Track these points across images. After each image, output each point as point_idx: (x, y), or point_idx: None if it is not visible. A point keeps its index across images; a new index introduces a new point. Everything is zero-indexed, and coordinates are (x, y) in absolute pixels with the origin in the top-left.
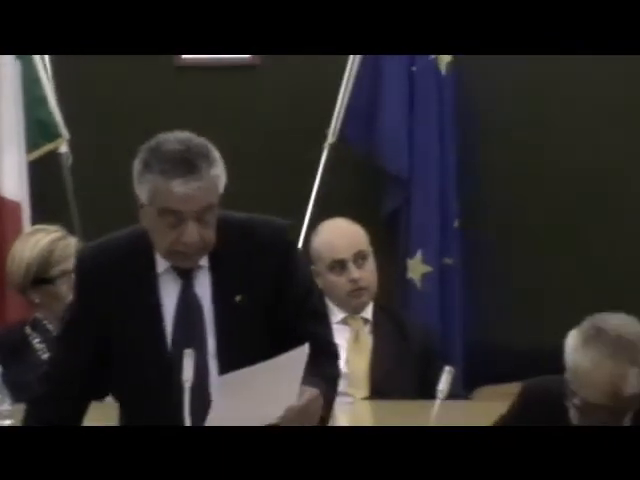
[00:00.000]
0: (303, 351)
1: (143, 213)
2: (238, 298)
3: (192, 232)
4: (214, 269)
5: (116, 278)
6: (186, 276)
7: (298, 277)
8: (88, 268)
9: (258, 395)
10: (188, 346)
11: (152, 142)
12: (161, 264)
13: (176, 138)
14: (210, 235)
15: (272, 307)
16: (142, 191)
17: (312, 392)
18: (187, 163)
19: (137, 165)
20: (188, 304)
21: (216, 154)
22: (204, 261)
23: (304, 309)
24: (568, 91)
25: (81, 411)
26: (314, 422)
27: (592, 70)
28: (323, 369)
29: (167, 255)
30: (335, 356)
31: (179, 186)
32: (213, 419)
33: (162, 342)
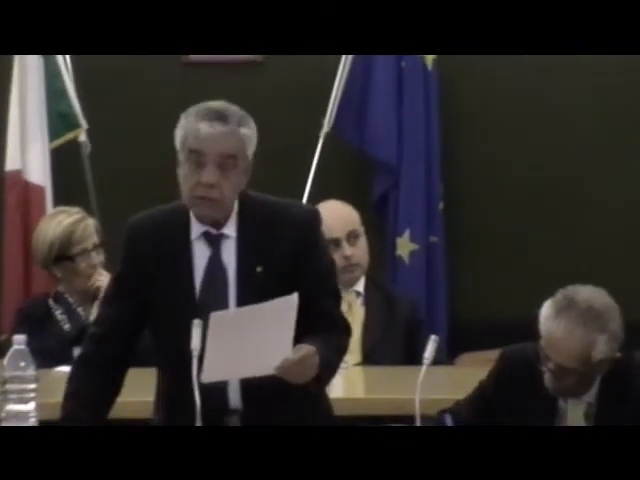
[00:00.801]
0: (293, 299)
1: (178, 166)
2: (259, 269)
3: (210, 173)
4: (240, 240)
5: (157, 244)
6: (215, 244)
7: (319, 258)
8: (135, 236)
9: (251, 341)
10: (212, 305)
11: (193, 108)
12: (195, 232)
13: (212, 104)
14: (227, 187)
15: (292, 282)
16: (178, 137)
17: (308, 349)
18: (219, 113)
19: (180, 124)
20: (215, 269)
21: (251, 121)
22: (232, 231)
23: (324, 288)
24: (541, 83)
25: (122, 369)
26: (308, 377)
27: (570, 62)
28: (329, 338)
29: (190, 201)
30: (347, 331)
31: (206, 128)
32: (209, 367)
33: (191, 299)
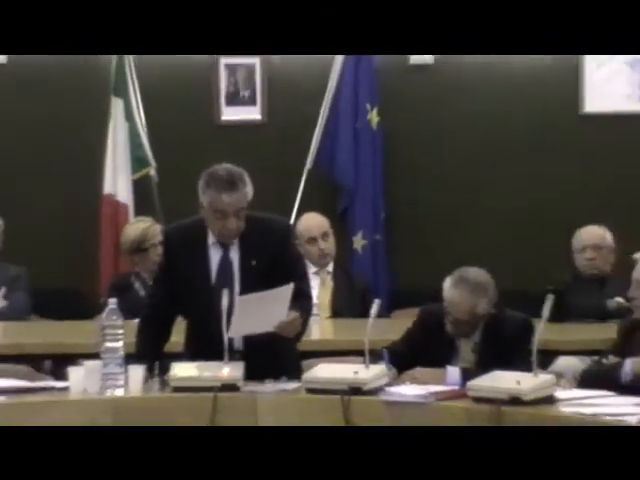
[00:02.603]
0: (289, 287)
1: (203, 211)
2: (254, 262)
3: (232, 223)
4: (241, 244)
5: (185, 246)
6: (225, 247)
7: (292, 254)
8: (170, 240)
9: (261, 312)
10: (224, 287)
11: (209, 170)
12: (211, 239)
13: (223, 167)
14: (241, 225)
15: (275, 270)
16: (204, 199)
17: (295, 314)
18: (231, 183)
19: (201, 184)
20: (225, 264)
21: (246, 177)
22: (235, 239)
23: (296, 273)
24: (460, 122)
25: (169, 324)
26: (296, 331)
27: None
28: (302, 305)
29: (217, 236)
30: (310, 300)
31: (226, 198)
32: (234, 328)
33: (209, 283)
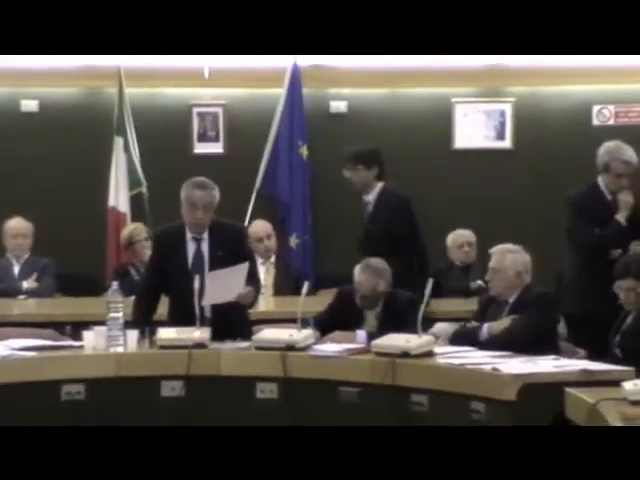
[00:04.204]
0: (245, 266)
1: (182, 209)
2: (219, 253)
3: (200, 214)
4: (210, 240)
5: (169, 243)
6: (198, 242)
7: (245, 249)
8: (158, 239)
9: (226, 284)
10: (197, 272)
11: (189, 181)
12: (188, 236)
13: (199, 179)
14: (208, 219)
15: (233, 260)
16: (183, 195)
17: (250, 288)
18: (203, 184)
19: (183, 187)
20: (198, 254)
21: (215, 186)
22: (206, 236)
23: (249, 261)
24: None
25: (156, 300)
26: (250, 301)
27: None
28: (254, 284)
29: (189, 226)
30: (259, 282)
31: (198, 193)
32: (207, 297)
33: (186, 269)
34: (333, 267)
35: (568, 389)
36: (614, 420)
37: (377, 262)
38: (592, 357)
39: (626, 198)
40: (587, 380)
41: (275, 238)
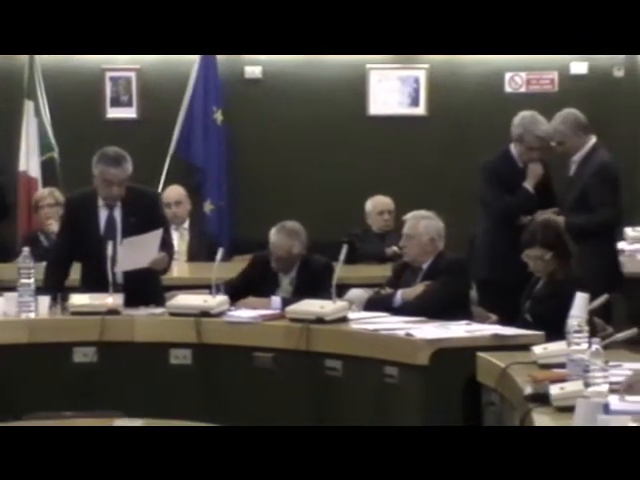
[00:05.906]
0: (159, 232)
1: (95, 180)
2: (132, 219)
3: (115, 190)
4: (123, 206)
5: (81, 209)
6: (110, 208)
7: (160, 215)
8: (69, 205)
9: (139, 250)
10: (109, 238)
11: (101, 150)
12: (100, 202)
13: (111, 149)
14: (122, 191)
15: (147, 226)
16: (96, 170)
17: (163, 254)
18: (116, 160)
19: (95, 159)
20: (111, 220)
21: (128, 157)
22: (118, 202)
23: (162, 227)
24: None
25: (68, 266)
26: (164, 267)
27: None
28: (167, 251)
29: (104, 199)
30: (172, 247)
31: (113, 170)
32: (120, 264)
33: (99, 235)
34: (251, 233)
35: (480, 353)
36: (524, 383)
37: (292, 223)
38: (503, 322)
39: (535, 167)
40: (498, 344)
41: (188, 204)
